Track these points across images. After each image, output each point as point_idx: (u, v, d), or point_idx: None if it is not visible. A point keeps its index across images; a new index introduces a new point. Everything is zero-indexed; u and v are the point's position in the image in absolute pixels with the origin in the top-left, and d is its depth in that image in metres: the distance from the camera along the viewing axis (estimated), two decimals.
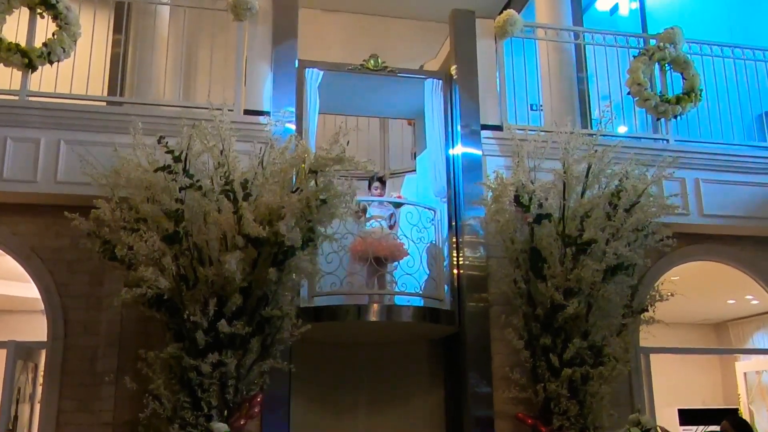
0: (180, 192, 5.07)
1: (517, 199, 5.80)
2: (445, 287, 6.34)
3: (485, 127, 6.63)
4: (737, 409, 9.50)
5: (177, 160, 5.07)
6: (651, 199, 5.86)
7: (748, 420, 8.57)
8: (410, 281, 6.23)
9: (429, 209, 6.48)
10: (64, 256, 5.86)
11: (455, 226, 6.50)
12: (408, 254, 6.31)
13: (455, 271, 6.40)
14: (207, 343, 5.01)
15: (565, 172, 5.77)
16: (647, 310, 5.97)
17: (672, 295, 6.00)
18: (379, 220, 6.38)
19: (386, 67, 6.78)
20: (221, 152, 5.29)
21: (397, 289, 6.23)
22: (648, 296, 6.09)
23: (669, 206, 5.90)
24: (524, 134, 6.30)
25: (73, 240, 5.63)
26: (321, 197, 5.05)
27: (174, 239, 4.99)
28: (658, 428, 4.85)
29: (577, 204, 5.82)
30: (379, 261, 6.19)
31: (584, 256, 5.62)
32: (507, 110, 6.78)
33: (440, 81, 6.87)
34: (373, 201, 6.57)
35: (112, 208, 5.14)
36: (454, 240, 6.46)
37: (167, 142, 5.10)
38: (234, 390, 5.14)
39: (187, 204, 5.19)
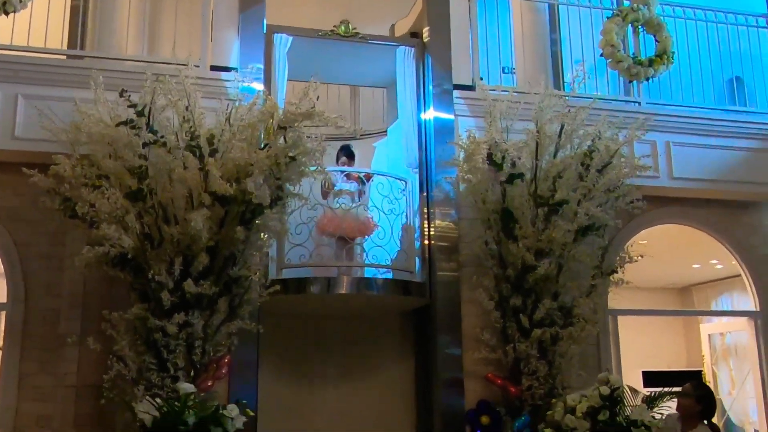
0: (143, 148, 4.90)
1: (490, 157, 5.73)
2: (416, 259, 6.27)
3: (457, 86, 6.53)
4: (701, 371, 9.67)
5: (140, 114, 4.90)
6: (623, 160, 5.84)
7: (711, 381, 8.76)
8: (381, 253, 6.15)
9: (400, 180, 6.36)
10: (23, 215, 5.65)
11: (426, 196, 6.41)
12: (377, 227, 6.22)
13: (426, 242, 6.32)
14: (173, 304, 4.90)
15: (538, 132, 5.71)
16: (617, 272, 5.98)
17: (641, 256, 6.02)
18: (347, 195, 6.29)
19: (357, 33, 6.58)
20: (187, 108, 5.12)
21: (367, 262, 6.14)
22: (618, 258, 6.11)
23: (641, 166, 5.89)
24: (497, 95, 6.22)
25: (33, 198, 5.41)
26: (290, 154, 4.92)
27: (137, 196, 4.83)
28: (625, 388, 4.89)
29: (550, 164, 5.78)
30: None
31: (556, 217, 5.59)
32: (479, 70, 6.68)
33: (413, 48, 6.70)
34: (342, 171, 6.44)
35: (72, 165, 4.96)
36: (426, 210, 6.38)
37: (129, 95, 4.92)
38: (201, 351, 5.05)
39: (151, 161, 5.02)
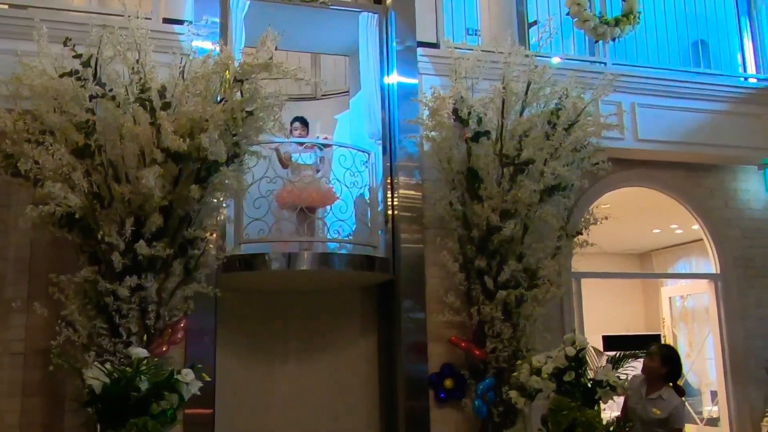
0: (90, 101, 4.62)
1: (455, 112, 5.58)
2: (380, 233, 6.10)
3: (422, 44, 6.34)
4: (659, 335, 9.80)
5: (86, 65, 4.61)
6: (589, 118, 5.74)
7: (671, 342, 8.85)
8: (343, 227, 5.99)
9: (363, 152, 6.16)
10: None
11: (390, 164, 6.23)
12: (339, 198, 6.04)
13: (390, 212, 6.16)
14: (124, 266, 4.67)
15: (504, 88, 5.56)
16: (581, 233, 5.92)
17: (606, 218, 5.97)
18: (307, 169, 6.09)
19: None
20: (137, 60, 4.85)
21: (328, 236, 5.96)
22: (582, 219, 6.05)
23: (607, 125, 5.80)
24: (462, 53, 6.04)
25: None
26: (247, 109, 4.69)
27: (85, 153, 4.57)
28: (590, 349, 4.85)
29: (516, 123, 5.65)
30: (309, 208, 5.91)
31: (522, 177, 5.48)
32: (444, 31, 6.50)
33: (375, 14, 6.45)
34: (301, 142, 6.20)
35: (14, 119, 4.67)
36: (390, 178, 6.20)
37: (75, 45, 4.62)
38: (155, 316, 4.84)
39: (99, 116, 4.75)
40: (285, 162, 6.11)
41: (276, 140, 5.74)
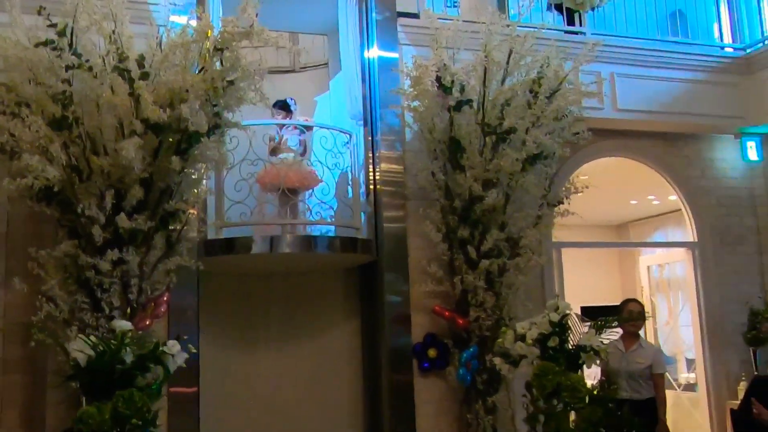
0: (66, 72, 4.51)
1: (439, 80, 5.55)
2: (362, 214, 6.08)
3: (402, 14, 6.29)
4: None
5: (61, 34, 4.50)
6: (570, 86, 5.75)
7: (649, 312, 8.97)
8: (325, 210, 5.96)
9: (344, 133, 6.11)
10: None
11: (372, 138, 6.19)
12: (322, 181, 6.00)
13: (371, 185, 6.13)
14: (105, 240, 4.61)
15: (486, 57, 5.54)
16: (563, 203, 5.96)
17: (587, 187, 6.02)
18: (288, 151, 6.04)
19: None
20: (113, 31, 4.74)
21: (311, 219, 5.93)
22: (563, 189, 6.09)
23: (588, 93, 5.82)
24: (443, 23, 6.00)
25: None
26: (228, 78, 4.62)
27: (62, 125, 4.48)
28: (573, 315, 4.90)
29: (498, 92, 5.64)
30: (291, 190, 5.85)
31: (504, 145, 5.49)
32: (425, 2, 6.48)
33: None
34: (285, 123, 6.13)
35: None
36: (371, 153, 6.17)
37: (49, 14, 4.51)
38: (138, 290, 4.80)
39: (76, 88, 4.65)
40: (276, 146, 6.03)
41: (258, 123, 5.67)
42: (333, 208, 6.02)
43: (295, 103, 6.53)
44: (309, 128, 6.24)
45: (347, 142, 6.11)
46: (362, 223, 6.06)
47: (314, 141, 6.13)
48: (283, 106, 6.42)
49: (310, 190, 6.06)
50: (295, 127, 6.23)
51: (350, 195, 6.11)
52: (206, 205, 5.56)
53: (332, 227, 6.09)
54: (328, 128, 6.12)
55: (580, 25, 7.07)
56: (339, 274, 6.53)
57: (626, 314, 5.60)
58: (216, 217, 5.62)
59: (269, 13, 6.20)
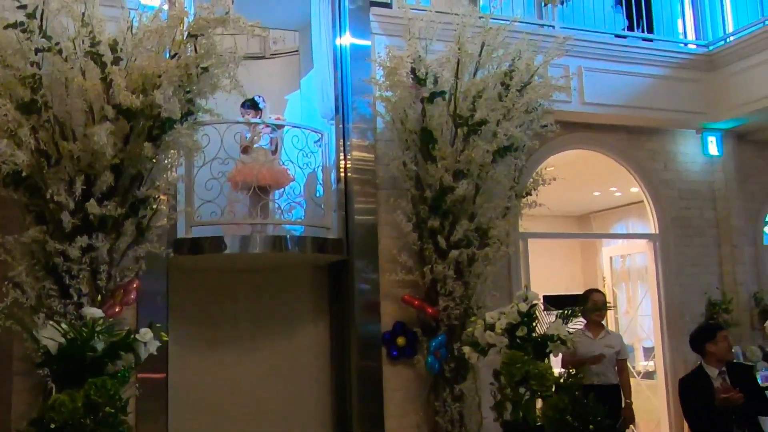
0: (36, 55, 4.43)
1: (413, 72, 5.58)
2: (333, 214, 6.08)
3: (374, 3, 6.30)
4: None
5: (31, 16, 4.41)
6: (540, 80, 5.83)
7: (610, 301, 9.17)
8: (296, 210, 5.95)
9: (316, 132, 6.09)
10: None
11: (343, 128, 6.19)
12: (293, 180, 5.98)
13: (342, 174, 6.14)
14: (74, 226, 4.54)
15: (459, 49, 5.58)
16: (530, 194, 6.06)
17: (555, 179, 6.12)
18: (259, 150, 6.00)
19: None
20: (84, 14, 4.66)
21: (282, 218, 5.92)
22: (531, 180, 6.18)
23: (558, 87, 5.90)
24: (415, 14, 6.01)
25: None
26: (202, 65, 4.58)
27: (31, 109, 4.39)
28: (540, 305, 5.00)
29: (470, 84, 5.69)
30: (262, 189, 5.82)
31: (475, 137, 5.54)
32: None
33: None
34: (255, 123, 6.08)
35: None
36: (342, 142, 6.17)
37: None
38: (107, 276, 4.73)
39: (46, 72, 4.56)
40: (248, 144, 5.99)
41: (229, 122, 5.63)
42: (303, 208, 6.01)
43: (264, 101, 6.49)
44: (280, 127, 6.19)
45: (318, 141, 6.09)
46: (333, 222, 6.06)
47: (285, 140, 6.10)
48: (252, 105, 6.36)
49: (281, 190, 6.03)
50: (266, 126, 6.17)
51: (321, 194, 6.10)
52: (177, 192, 5.51)
53: (303, 228, 6.10)
54: (299, 127, 6.09)
55: (550, 18, 7.13)
56: (309, 268, 6.54)
57: (591, 304, 5.78)
58: (186, 215, 5.57)
59: (240, 8, 6.13)
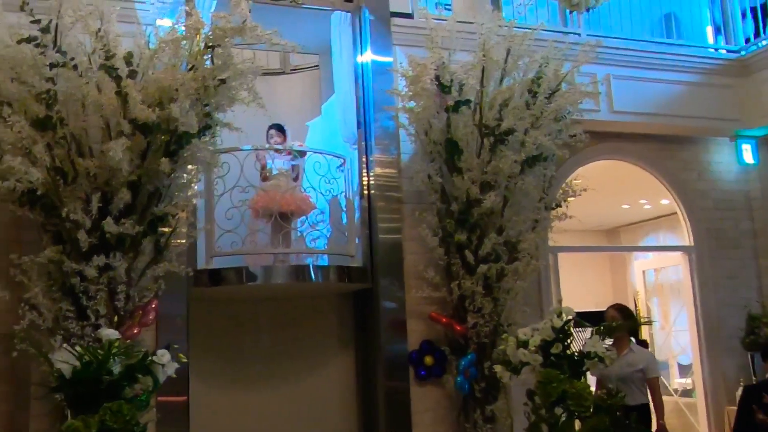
0: (51, 70, 4.33)
1: (438, 79, 5.42)
2: (357, 240, 5.90)
3: (395, 14, 6.17)
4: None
5: (45, 31, 4.33)
6: (570, 87, 5.65)
7: (645, 315, 8.90)
8: (319, 237, 5.80)
9: (338, 157, 5.94)
10: None
11: (365, 143, 6.03)
12: (315, 207, 5.83)
13: (366, 190, 5.99)
14: (91, 245, 4.42)
15: (484, 56, 5.42)
16: (560, 206, 5.85)
17: (585, 190, 5.91)
18: (282, 171, 5.84)
19: None
20: (99, 29, 4.57)
21: (304, 247, 5.76)
22: (560, 192, 5.98)
23: (588, 92, 5.72)
24: (438, 23, 5.87)
25: None
26: (220, 77, 4.46)
27: (46, 125, 4.30)
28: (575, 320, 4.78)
29: (496, 92, 5.53)
30: (284, 217, 5.66)
31: (502, 147, 5.36)
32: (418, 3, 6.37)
33: (348, 13, 6.20)
34: (276, 150, 5.89)
35: None
36: (365, 158, 6.02)
37: (32, 10, 4.33)
38: (125, 297, 4.59)
39: (61, 88, 4.47)
40: (267, 174, 5.86)
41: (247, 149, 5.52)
42: (327, 236, 5.86)
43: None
44: (302, 154, 6.02)
45: (340, 166, 5.93)
46: (357, 249, 5.88)
47: (307, 166, 5.96)
48: (279, 128, 6.23)
49: (304, 217, 5.87)
50: (289, 152, 6.02)
51: (344, 221, 5.92)
52: (196, 210, 5.38)
53: (327, 257, 5.93)
54: (321, 153, 5.93)
55: (576, 25, 6.96)
56: (333, 295, 6.32)
57: (609, 320, 5.44)
58: (206, 246, 5.42)
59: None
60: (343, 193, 5.92)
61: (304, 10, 6.10)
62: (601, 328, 4.72)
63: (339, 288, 6.08)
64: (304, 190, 5.88)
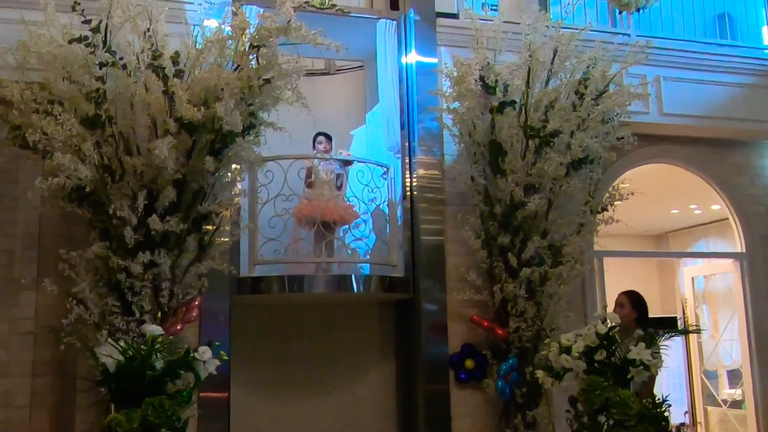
0: (100, 69, 4.43)
1: (482, 79, 5.36)
2: (399, 251, 5.88)
3: (440, 15, 6.13)
4: (676, 318, 9.60)
5: (95, 30, 4.42)
6: (618, 89, 5.53)
7: (695, 324, 8.68)
8: (361, 247, 5.79)
9: (381, 166, 5.92)
10: None
11: (408, 144, 6.02)
12: (359, 216, 5.83)
13: (408, 191, 5.95)
14: (137, 242, 4.50)
15: (530, 56, 5.35)
16: (607, 210, 5.73)
17: (632, 194, 5.78)
18: (326, 179, 5.84)
19: (334, 5, 6.01)
20: (148, 29, 4.65)
21: (347, 256, 5.76)
22: (606, 195, 5.86)
23: (637, 94, 5.59)
24: (483, 23, 5.81)
25: None
26: (264, 77, 4.49)
27: (95, 123, 4.39)
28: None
29: (542, 93, 5.45)
30: (327, 226, 5.65)
31: (548, 149, 5.28)
32: (464, 3, 6.31)
33: (394, 21, 6.20)
34: (320, 159, 5.91)
35: (21, 88, 4.47)
36: (407, 159, 6.00)
37: (83, 10, 4.42)
38: (169, 293, 4.67)
39: (110, 87, 4.57)
40: (312, 180, 5.86)
41: (295, 157, 5.53)
42: (369, 245, 5.86)
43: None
44: (348, 163, 6.01)
45: (384, 175, 5.92)
46: (399, 259, 5.87)
47: (351, 175, 5.96)
48: (326, 136, 6.23)
49: (346, 226, 5.87)
50: (334, 161, 6.02)
51: (387, 230, 5.91)
52: (240, 197, 5.39)
53: (369, 267, 5.93)
54: (365, 162, 5.93)
55: (625, 26, 6.82)
56: (374, 303, 6.33)
57: (616, 305, 5.36)
58: (249, 254, 5.47)
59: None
60: (386, 202, 5.91)
61: (350, 18, 6.11)
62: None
63: (381, 297, 6.08)
64: (348, 199, 5.89)
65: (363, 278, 5.72)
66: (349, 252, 5.75)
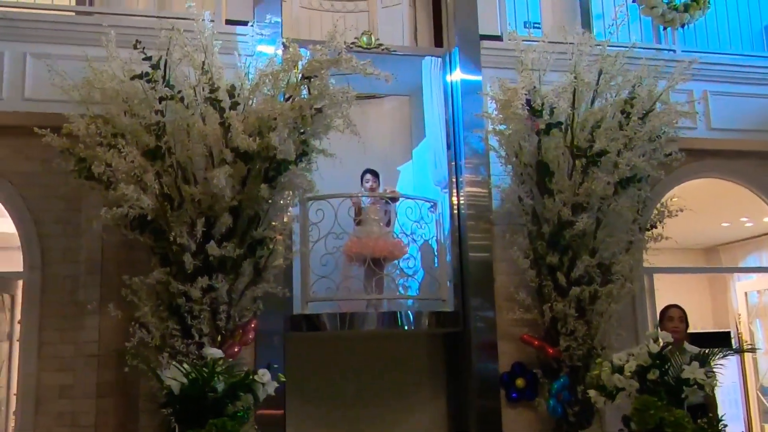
0: (160, 103, 4.64)
1: (529, 103, 5.43)
2: (449, 284, 5.96)
3: (484, 37, 6.21)
4: (729, 332, 9.43)
5: (155, 67, 4.63)
6: (664, 106, 5.53)
7: (748, 340, 8.51)
8: (411, 282, 5.90)
9: (428, 201, 6.03)
10: (36, 179, 5.43)
11: (455, 164, 6.09)
12: (407, 252, 5.90)
13: (456, 211, 6.03)
14: (195, 267, 4.68)
15: (575, 78, 5.40)
16: (656, 227, 5.72)
17: (681, 210, 5.76)
18: (374, 217, 5.92)
19: (380, 44, 6.17)
20: (204, 62, 4.85)
21: (397, 293, 5.86)
22: (656, 212, 5.85)
23: (684, 112, 5.58)
24: (527, 45, 5.87)
25: (46, 162, 5.19)
26: (316, 106, 4.64)
27: (156, 155, 4.60)
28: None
29: (588, 113, 5.48)
30: (377, 262, 5.74)
31: (595, 168, 5.31)
32: (507, 24, 6.38)
33: (439, 59, 6.33)
34: (367, 197, 5.99)
35: (86, 123, 4.71)
36: (454, 179, 6.08)
37: (144, 47, 4.64)
38: (226, 316, 4.84)
39: (169, 119, 4.78)
40: (359, 216, 5.93)
41: (343, 195, 5.67)
42: (419, 282, 5.94)
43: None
44: (394, 199, 6.06)
45: (432, 208, 6.01)
46: (449, 293, 5.94)
47: (399, 211, 6.03)
48: (373, 173, 6.29)
49: (396, 262, 5.94)
50: (381, 198, 6.07)
51: (436, 265, 5.98)
52: (292, 223, 5.53)
53: (419, 302, 6.01)
54: (412, 198, 6.01)
55: (671, 41, 6.80)
56: (424, 336, 6.41)
57: (667, 319, 5.21)
58: (301, 292, 5.61)
59: (353, 78, 6.05)
60: (434, 237, 5.99)
61: (395, 56, 6.24)
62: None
63: (431, 331, 6.17)
64: (396, 234, 5.96)
65: (413, 315, 5.78)
66: (401, 290, 5.85)
